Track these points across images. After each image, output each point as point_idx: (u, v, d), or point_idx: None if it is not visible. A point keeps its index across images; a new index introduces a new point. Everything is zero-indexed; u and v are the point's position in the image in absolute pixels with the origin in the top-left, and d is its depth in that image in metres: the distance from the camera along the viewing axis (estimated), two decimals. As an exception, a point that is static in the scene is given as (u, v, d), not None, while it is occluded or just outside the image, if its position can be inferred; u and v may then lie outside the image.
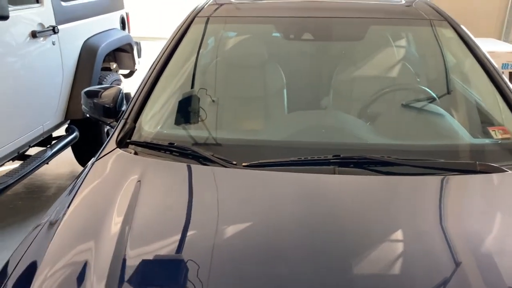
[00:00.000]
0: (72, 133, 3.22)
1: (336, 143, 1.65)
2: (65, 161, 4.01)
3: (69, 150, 3.48)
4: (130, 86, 4.07)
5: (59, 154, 3.11)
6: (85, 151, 3.58)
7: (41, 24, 2.81)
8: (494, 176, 1.43)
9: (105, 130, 3.68)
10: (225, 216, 1.26)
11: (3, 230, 3.03)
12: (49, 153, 2.92)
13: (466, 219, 1.28)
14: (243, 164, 1.44)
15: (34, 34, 2.73)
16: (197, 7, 2.31)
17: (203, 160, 1.50)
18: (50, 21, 2.90)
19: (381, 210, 1.28)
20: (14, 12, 2.50)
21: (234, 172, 1.43)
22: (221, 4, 2.40)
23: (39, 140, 3.03)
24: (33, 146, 3.02)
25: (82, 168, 1.58)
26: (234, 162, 1.45)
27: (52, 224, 1.27)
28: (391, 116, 1.93)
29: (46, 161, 2.92)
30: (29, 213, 3.26)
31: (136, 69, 4.23)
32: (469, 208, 1.34)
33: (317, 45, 2.31)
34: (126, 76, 4.23)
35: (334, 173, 1.41)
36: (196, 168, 1.47)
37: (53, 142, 3.16)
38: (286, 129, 1.80)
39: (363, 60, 2.24)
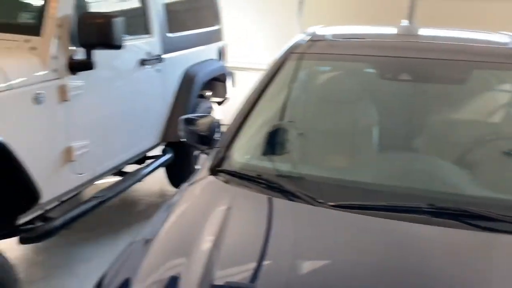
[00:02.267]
0: (168, 154, 3.43)
1: (429, 191, 1.57)
2: (155, 180, 4.26)
3: (159, 170, 3.70)
4: (220, 113, 4.26)
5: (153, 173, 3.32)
6: (177, 172, 3.78)
7: (149, 53, 3.07)
8: None
9: (194, 154, 3.86)
10: (307, 254, 1.25)
11: (98, 239, 3.28)
12: (146, 171, 3.13)
13: None
14: (330, 203, 1.43)
15: (142, 62, 2.99)
16: (292, 44, 2.38)
17: (289, 195, 1.51)
18: (157, 50, 3.16)
19: (476, 270, 1.19)
20: (128, 41, 2.77)
21: (320, 210, 1.43)
22: (316, 41, 2.45)
23: (137, 159, 3.27)
24: (131, 163, 3.27)
25: (175, 190, 1.68)
26: (321, 201, 1.45)
27: (146, 242, 1.36)
28: (493, 165, 1.80)
29: (142, 179, 3.13)
30: (122, 225, 3.49)
31: (228, 98, 4.42)
32: None
33: (415, 86, 2.25)
34: (219, 103, 4.43)
35: (426, 224, 1.34)
36: (282, 202, 1.49)
37: (149, 161, 3.39)
38: (376, 170, 1.76)
39: (463, 104, 2.13)
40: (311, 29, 2.51)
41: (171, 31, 3.33)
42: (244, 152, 1.89)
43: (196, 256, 1.22)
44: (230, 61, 4.57)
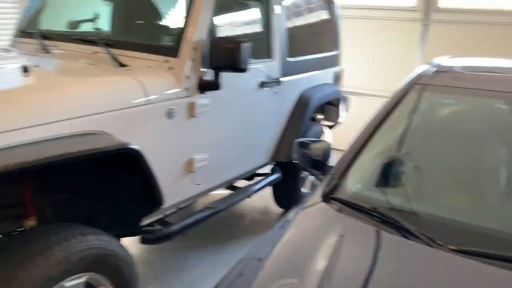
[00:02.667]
0: (276, 173, 3.52)
1: None
2: (261, 197, 4.38)
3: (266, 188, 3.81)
4: (330, 136, 4.25)
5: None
6: (283, 192, 3.86)
7: (268, 76, 3.21)
8: None
9: (301, 176, 3.90)
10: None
11: (206, 247, 3.47)
12: (256, 188, 3.25)
13: None
14: (450, 247, 1.36)
15: (262, 84, 3.13)
16: (417, 74, 2.31)
17: (405, 232, 1.47)
18: (276, 73, 3.30)
19: None
20: (252, 65, 2.93)
21: (438, 253, 1.36)
22: (442, 72, 2.35)
23: (247, 175, 3.41)
24: (242, 178, 3.42)
25: (282, 211, 1.73)
26: (440, 243, 1.38)
27: (258, 262, 1.42)
28: None
29: (250, 195, 3.26)
30: (228, 237, 3.65)
31: (339, 122, 4.41)
32: None
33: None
34: (330, 127, 4.44)
35: None
36: (396, 238, 1.45)
37: (258, 178, 3.51)
38: (503, 217, 1.62)
39: None
40: (436, 60, 2.42)
41: (291, 56, 3.45)
42: (358, 181, 1.88)
43: (307, 279, 1.25)
44: (345, 86, 4.56)
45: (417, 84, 2.22)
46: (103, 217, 2.29)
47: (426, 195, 1.83)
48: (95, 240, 1.91)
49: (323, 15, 4.09)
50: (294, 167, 3.71)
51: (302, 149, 2.18)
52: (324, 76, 4.06)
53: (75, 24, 3.09)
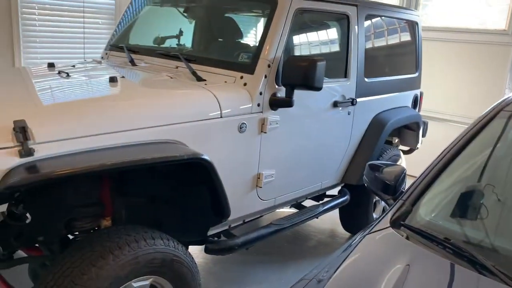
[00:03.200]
0: (344, 196, 3.44)
1: None
2: (328, 219, 4.29)
3: (334, 211, 3.73)
4: (405, 162, 4.07)
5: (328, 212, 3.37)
6: (351, 216, 3.76)
7: (343, 96, 3.17)
8: None
9: (373, 201, 3.78)
10: None
11: (269, 264, 3.45)
12: (321, 209, 3.20)
13: None
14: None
15: (335, 104, 3.10)
16: (504, 99, 2.16)
17: (480, 268, 1.35)
18: (351, 93, 3.24)
19: None
20: (326, 84, 2.91)
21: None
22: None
23: (315, 195, 3.37)
24: (309, 198, 3.38)
25: (349, 235, 1.67)
26: (521, 282, 1.26)
27: (317, 283, 1.38)
28: None
29: (316, 216, 3.21)
30: (291, 256, 3.61)
31: (417, 148, 4.22)
32: None
33: None
34: (406, 152, 4.26)
35: None
36: (468, 273, 1.34)
37: (326, 199, 3.45)
38: None
39: None
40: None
41: (368, 76, 3.38)
42: (431, 210, 1.77)
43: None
44: (424, 110, 4.37)
45: (505, 111, 2.06)
46: (172, 223, 2.38)
47: (506, 230, 1.69)
48: (163, 245, 1.98)
49: (405, 36, 3.98)
50: (366, 191, 3.61)
51: (374, 172, 2.11)
52: (402, 98, 3.93)
53: (160, 40, 3.29)
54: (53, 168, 1.64)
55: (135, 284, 1.93)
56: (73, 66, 2.89)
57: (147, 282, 1.99)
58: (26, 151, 1.65)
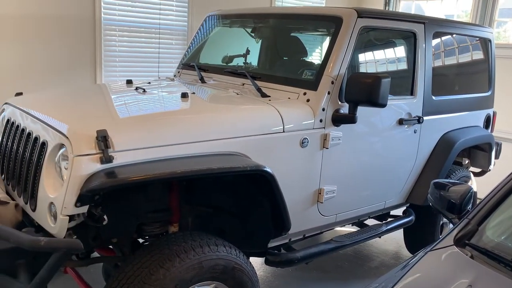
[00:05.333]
0: (409, 216, 3.35)
1: None
2: (394, 240, 4.18)
3: (400, 231, 3.63)
4: (479, 185, 3.88)
5: (391, 232, 3.29)
6: (416, 237, 3.64)
7: (409, 114, 3.12)
8: None
9: (440, 223, 3.63)
10: None
11: (329, 282, 3.43)
12: (384, 228, 3.13)
13: None
14: None
15: (401, 121, 3.05)
16: None
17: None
18: (417, 111, 3.18)
19: None
20: (391, 101, 2.89)
21: None
22: None
23: (378, 214, 3.31)
24: (372, 217, 3.33)
25: (410, 254, 1.64)
26: None
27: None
28: None
29: (379, 235, 3.15)
30: (352, 276, 3.56)
31: (490, 170, 4.00)
32: None
33: None
34: (477, 174, 4.06)
35: None
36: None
37: (389, 219, 3.37)
38: None
39: None
40: None
41: (435, 94, 3.30)
42: (500, 231, 1.71)
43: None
44: (498, 131, 4.15)
45: None
46: (234, 234, 2.47)
47: None
48: (225, 252, 2.07)
49: (477, 54, 3.84)
50: (432, 212, 3.49)
51: (438, 190, 2.07)
52: (473, 117, 3.77)
53: (228, 59, 3.45)
54: (129, 174, 1.80)
55: (198, 289, 2.03)
56: (149, 83, 3.12)
57: (209, 287, 2.08)
58: (107, 158, 1.82)
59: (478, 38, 3.78)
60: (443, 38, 3.46)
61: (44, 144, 2.03)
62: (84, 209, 1.84)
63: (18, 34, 4.02)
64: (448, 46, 3.55)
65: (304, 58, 3.17)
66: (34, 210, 2.02)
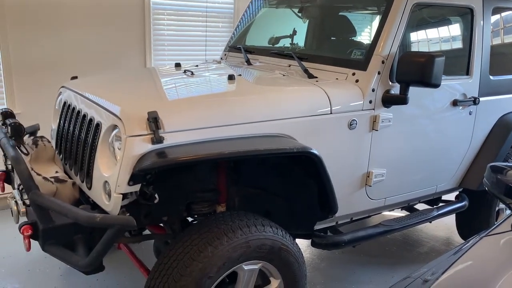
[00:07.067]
0: (462, 201, 3.22)
1: None
2: (445, 226, 4.05)
3: (451, 217, 3.50)
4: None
5: (442, 218, 3.18)
6: (469, 223, 3.50)
7: (464, 94, 2.97)
8: None
9: (495, 209, 3.47)
10: None
11: (376, 266, 3.38)
12: (435, 213, 3.04)
13: None
14: None
15: (455, 103, 2.92)
16: None
17: None
18: (473, 92, 3.03)
19: None
20: (445, 81, 2.77)
21: None
22: None
23: (429, 198, 3.21)
24: (422, 202, 3.24)
25: (462, 240, 1.57)
26: None
27: (423, 283, 1.34)
28: None
29: (430, 220, 3.05)
30: (400, 260, 3.49)
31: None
32: None
33: None
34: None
35: None
36: None
37: (441, 204, 3.26)
38: None
39: None
40: None
41: (493, 74, 3.12)
42: None
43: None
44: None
45: None
46: (280, 215, 2.48)
47: None
48: (272, 232, 2.09)
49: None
50: (487, 197, 3.34)
51: (496, 174, 1.96)
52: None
53: (274, 40, 3.42)
54: (179, 154, 1.84)
55: (246, 267, 2.07)
56: (197, 65, 3.16)
57: (256, 267, 2.11)
58: (158, 139, 1.87)
59: (542, 13, 3.52)
60: (503, 14, 3.24)
61: (98, 126, 2.11)
62: (137, 187, 1.91)
63: (72, 21, 4.18)
64: (509, 23, 3.33)
65: (353, 38, 3.08)
66: (90, 188, 2.12)
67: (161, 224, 2.52)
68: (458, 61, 3.02)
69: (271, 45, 3.38)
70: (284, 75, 2.70)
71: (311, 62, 2.77)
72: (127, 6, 4.41)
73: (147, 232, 2.66)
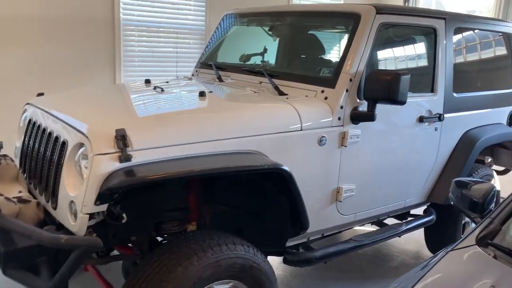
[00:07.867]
0: (430, 215, 3.29)
1: None
2: (414, 240, 4.11)
3: (420, 231, 3.57)
4: (503, 184, 3.79)
5: (412, 232, 3.24)
6: (437, 237, 3.57)
7: (429, 111, 3.06)
8: None
9: (462, 222, 3.56)
10: None
11: (347, 282, 3.39)
12: (404, 228, 3.09)
13: None
14: None
15: (421, 119, 3.00)
16: None
17: None
18: (438, 109, 3.12)
19: None
20: (411, 99, 2.85)
21: None
22: None
23: (398, 213, 3.26)
24: (392, 216, 3.29)
25: (431, 254, 1.61)
26: None
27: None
28: None
29: (399, 235, 3.10)
30: (371, 276, 3.52)
31: (513, 168, 3.91)
32: None
33: None
34: (500, 173, 3.97)
35: None
36: None
37: (409, 218, 3.32)
38: None
39: None
40: None
41: (457, 91, 3.24)
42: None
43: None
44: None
45: None
46: (252, 232, 2.46)
47: None
48: (243, 251, 2.07)
49: (500, 50, 3.75)
50: (453, 211, 3.42)
51: (460, 189, 2.03)
52: (496, 115, 3.68)
53: (245, 57, 3.45)
54: (147, 172, 1.81)
55: (216, 287, 2.03)
56: (167, 82, 3.14)
57: (227, 286, 2.08)
58: (125, 157, 1.83)
59: (501, 34, 3.69)
60: (465, 33, 3.38)
61: (64, 144, 2.06)
62: (104, 207, 1.86)
63: (39, 36, 4.10)
64: (470, 42, 3.47)
65: (322, 56, 3.14)
66: (55, 208, 2.06)
67: (130, 244, 2.46)
68: (423, 79, 3.12)
69: (242, 62, 3.41)
70: (255, 92, 2.71)
71: (282, 79, 2.80)
72: (97, 22, 4.37)
73: (115, 252, 2.59)
